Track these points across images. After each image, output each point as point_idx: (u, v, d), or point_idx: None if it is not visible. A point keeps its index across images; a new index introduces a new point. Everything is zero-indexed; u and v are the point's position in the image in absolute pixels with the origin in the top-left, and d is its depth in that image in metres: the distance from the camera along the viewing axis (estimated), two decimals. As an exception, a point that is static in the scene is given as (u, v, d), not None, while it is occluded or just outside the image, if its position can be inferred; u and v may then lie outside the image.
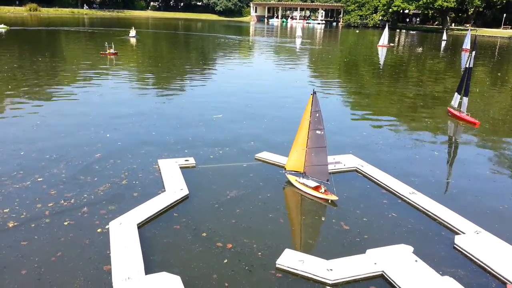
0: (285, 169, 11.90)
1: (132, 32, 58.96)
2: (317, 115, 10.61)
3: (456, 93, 19.79)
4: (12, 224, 9.01)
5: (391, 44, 63.30)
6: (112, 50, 37.35)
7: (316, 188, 11.10)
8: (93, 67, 32.11)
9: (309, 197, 11.06)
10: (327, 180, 10.95)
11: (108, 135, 15.32)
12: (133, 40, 56.37)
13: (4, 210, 9.56)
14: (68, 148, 13.69)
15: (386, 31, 58.32)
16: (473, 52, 19.36)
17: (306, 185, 11.26)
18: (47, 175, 11.59)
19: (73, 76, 27.76)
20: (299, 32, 71.74)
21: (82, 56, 39.33)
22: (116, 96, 22.40)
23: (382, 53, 52.96)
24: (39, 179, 11.28)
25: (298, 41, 66.15)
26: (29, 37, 55.58)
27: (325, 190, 11.02)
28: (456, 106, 19.81)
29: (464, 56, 51.32)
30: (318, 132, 10.72)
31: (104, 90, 23.69)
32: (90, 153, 13.34)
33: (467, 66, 18.71)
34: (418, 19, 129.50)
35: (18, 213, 9.49)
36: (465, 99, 19.02)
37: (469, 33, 57.44)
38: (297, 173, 11.69)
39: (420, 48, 59.36)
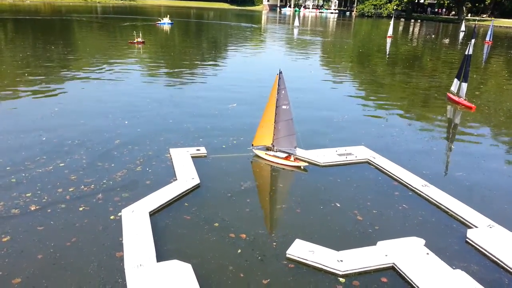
0: (252, 145, 12.70)
1: (166, 19, 59.31)
2: (283, 92, 11.79)
3: (455, 79, 20.79)
4: (34, 208, 9.24)
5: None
6: (139, 39, 37.72)
7: (286, 158, 12.18)
8: (110, 55, 32.31)
9: (280, 167, 11.97)
10: (294, 147, 12.25)
11: (126, 122, 15.53)
12: (166, 28, 56.81)
13: (27, 194, 9.81)
14: (89, 134, 13.93)
15: (392, 23, 58.06)
16: (472, 40, 20.06)
17: (277, 156, 12.28)
18: (68, 160, 11.84)
19: (88, 64, 27.94)
20: (296, 22, 73.90)
21: (99, 44, 39.57)
22: (132, 84, 22.57)
23: (393, 44, 52.14)
24: (61, 164, 11.54)
25: (296, 30, 65.99)
26: (44, 25, 55.96)
27: (295, 159, 12.12)
28: (455, 91, 20.72)
29: (486, 48, 50.23)
30: (284, 107, 11.93)
31: (120, 78, 23.83)
32: (109, 140, 13.58)
33: (466, 53, 19.68)
34: (444, 10, 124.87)
35: (40, 197, 9.72)
36: (464, 85, 20.00)
37: (491, 25, 56.34)
38: (264, 148, 12.67)
39: (447, 40, 58.68)
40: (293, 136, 12.20)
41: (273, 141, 12.40)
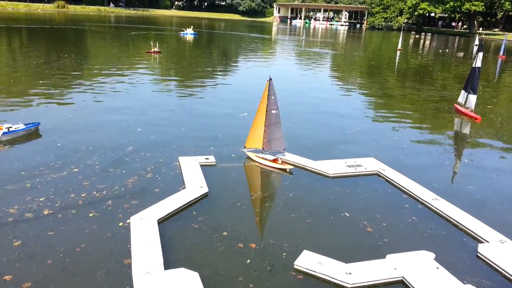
0: (245, 147, 13.31)
1: (189, 30, 60.14)
2: (273, 97, 12.47)
3: (463, 91, 21.20)
4: (47, 212, 9.36)
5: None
6: (156, 49, 38.47)
7: (274, 161, 12.79)
8: (123, 63, 32.74)
9: (268, 169, 12.62)
10: (283, 149, 13.03)
11: (139, 129, 15.71)
12: (189, 38, 57.99)
13: (40, 199, 9.94)
14: (102, 141, 14.11)
15: (401, 35, 58.58)
16: (480, 53, 20.32)
17: (265, 159, 12.92)
18: (82, 166, 12.00)
19: (101, 73, 28.26)
20: (303, 35, 78.95)
21: (112, 53, 40.12)
22: (146, 92, 22.84)
23: (402, 57, 51.99)
24: (74, 170, 11.69)
25: (303, 42, 66.56)
26: (57, 34, 56.98)
27: (282, 162, 12.52)
28: (463, 102, 21.09)
29: (499, 62, 49.87)
30: (273, 111, 12.63)
31: (134, 86, 24.10)
32: (122, 146, 13.75)
33: (473, 66, 20.15)
34: (459, 23, 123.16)
35: (53, 201, 9.85)
36: (472, 97, 20.33)
37: (505, 40, 56.09)
38: (255, 150, 13.20)
39: (462, 53, 58.74)
40: (281, 138, 12.92)
41: (263, 144, 12.90)
